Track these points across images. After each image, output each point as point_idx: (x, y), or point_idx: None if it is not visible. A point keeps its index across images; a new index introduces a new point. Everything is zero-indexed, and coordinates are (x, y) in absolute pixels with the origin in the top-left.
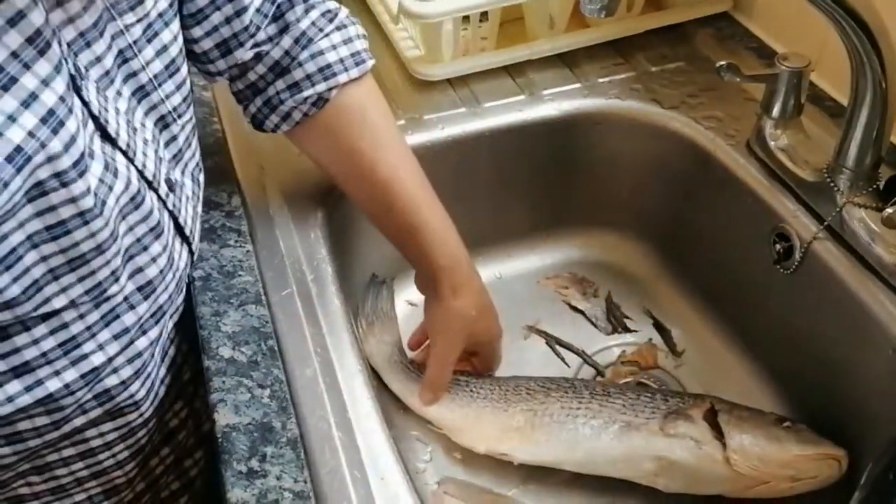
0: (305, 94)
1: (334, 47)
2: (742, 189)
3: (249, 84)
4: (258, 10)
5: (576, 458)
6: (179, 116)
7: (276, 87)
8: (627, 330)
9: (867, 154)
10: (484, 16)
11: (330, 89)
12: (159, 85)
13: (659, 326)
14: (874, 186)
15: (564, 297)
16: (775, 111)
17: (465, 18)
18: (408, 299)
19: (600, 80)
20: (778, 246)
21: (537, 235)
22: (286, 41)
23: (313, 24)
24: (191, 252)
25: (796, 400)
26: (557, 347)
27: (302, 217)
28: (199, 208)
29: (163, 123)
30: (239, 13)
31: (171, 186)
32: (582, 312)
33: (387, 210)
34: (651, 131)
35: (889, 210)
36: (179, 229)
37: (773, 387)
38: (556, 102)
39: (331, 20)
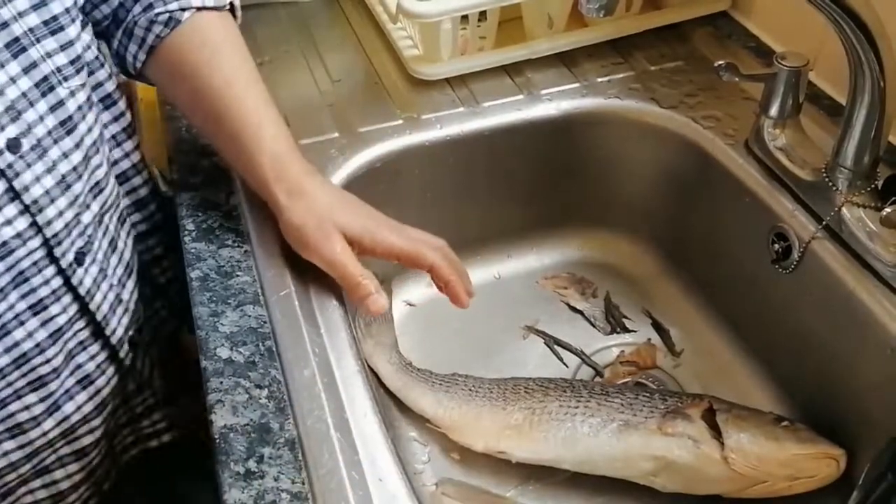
0: (157, 10)
1: None
2: (740, 188)
3: (112, 11)
4: None
5: (574, 457)
6: (66, 79)
7: (133, 12)
8: (626, 330)
9: (865, 153)
10: (482, 15)
11: (182, 10)
12: (37, 40)
13: (657, 326)
14: (872, 186)
15: (563, 297)
16: (774, 110)
17: (464, 18)
18: (406, 300)
19: (599, 80)
20: (776, 245)
21: (536, 235)
22: None
23: None
24: (36, 226)
25: (795, 399)
26: (556, 347)
27: None
28: (77, 185)
29: (47, 85)
30: None
31: (10, 147)
32: (580, 312)
33: (222, 126)
34: (650, 131)
35: (887, 209)
36: (16, 196)
37: (771, 386)
38: (554, 102)
39: None
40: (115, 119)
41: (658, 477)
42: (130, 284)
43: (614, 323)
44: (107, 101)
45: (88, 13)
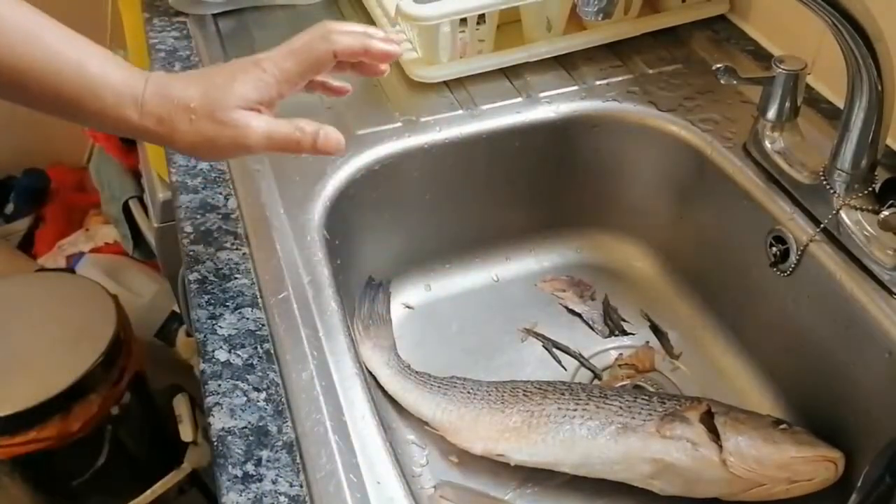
0: None
1: None
2: (738, 191)
3: None
4: None
5: (572, 459)
6: None
7: None
8: (624, 333)
9: (863, 156)
10: (481, 18)
11: None
12: None
13: (656, 329)
14: (870, 189)
15: (561, 299)
16: (772, 114)
17: (463, 21)
18: (404, 302)
19: (597, 83)
20: (774, 248)
21: (534, 238)
22: None
23: None
24: None
25: (793, 402)
26: (554, 350)
27: (298, 220)
28: None
29: None
30: None
31: None
32: (579, 315)
33: (24, 87)
34: (648, 134)
35: (885, 212)
36: None
37: (769, 389)
38: (553, 105)
39: None
40: None
41: (656, 480)
42: None
43: (612, 326)
44: None
45: None
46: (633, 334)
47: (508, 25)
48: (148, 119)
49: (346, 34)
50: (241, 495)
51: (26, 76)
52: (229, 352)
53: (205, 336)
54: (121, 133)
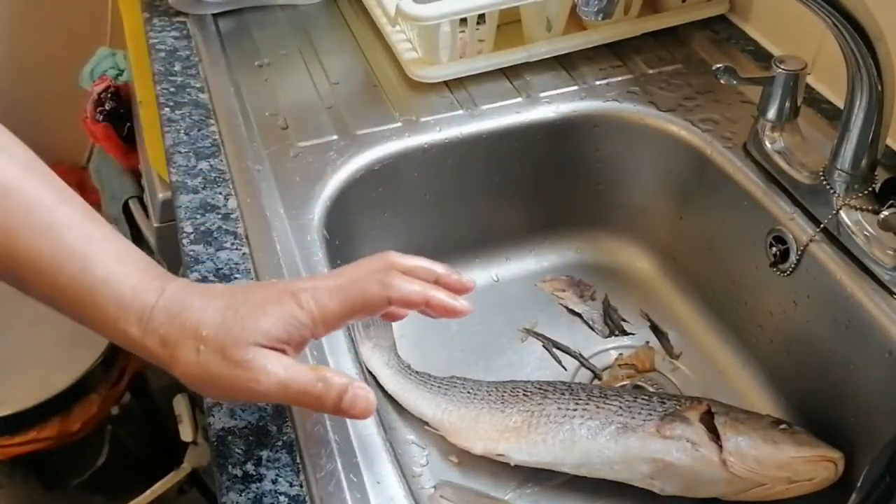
0: None
1: None
2: (738, 191)
3: None
4: None
5: (572, 459)
6: None
7: None
8: (624, 333)
9: (863, 157)
10: (481, 18)
11: None
12: None
13: (656, 329)
14: (870, 189)
15: (561, 299)
16: (772, 114)
17: (463, 21)
18: None
19: (597, 83)
20: (774, 248)
21: (534, 238)
22: None
23: None
24: None
25: (793, 403)
26: (554, 350)
27: (298, 220)
28: None
29: None
30: None
31: None
32: (579, 315)
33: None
34: (648, 134)
35: (885, 213)
36: None
37: (769, 389)
38: (553, 105)
39: None
40: None
41: (656, 479)
42: None
43: (613, 326)
44: None
45: None
46: (633, 334)
47: (508, 25)
48: (150, 338)
49: (408, 282)
50: (241, 495)
51: (19, 266)
52: None
53: None
54: (125, 347)
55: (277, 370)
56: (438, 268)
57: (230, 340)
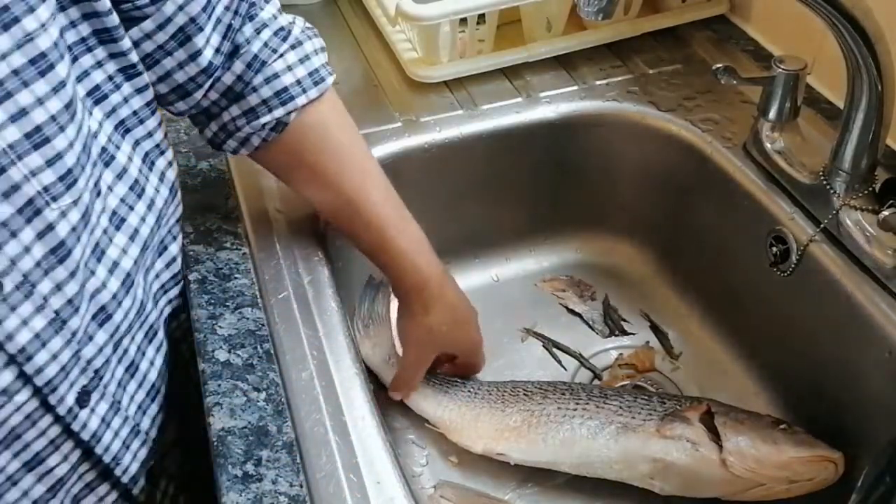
0: (263, 120)
1: (290, 68)
2: (739, 191)
3: (203, 110)
4: (217, 51)
5: (572, 459)
6: (54, 199)
7: (231, 114)
8: (624, 333)
9: (863, 157)
10: (481, 18)
11: (288, 113)
12: (19, 158)
13: (656, 329)
14: (870, 189)
15: (561, 299)
16: (772, 114)
17: (463, 21)
18: None
19: (597, 83)
20: (774, 248)
21: (534, 238)
22: (238, 66)
23: (265, 45)
24: (24, 377)
25: (793, 403)
26: (554, 350)
27: (298, 219)
28: (74, 320)
29: (32, 209)
30: (193, 57)
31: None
32: (579, 315)
33: (352, 227)
34: (648, 134)
35: (885, 212)
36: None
37: (769, 389)
38: (553, 105)
39: (284, 38)
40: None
41: (656, 479)
42: (154, 407)
43: (612, 326)
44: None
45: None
46: (632, 334)
47: (508, 25)
48: (417, 299)
49: (474, 360)
50: (241, 495)
51: (356, 218)
52: (229, 352)
53: (205, 336)
54: (393, 283)
55: (424, 362)
56: (476, 369)
57: (440, 335)
